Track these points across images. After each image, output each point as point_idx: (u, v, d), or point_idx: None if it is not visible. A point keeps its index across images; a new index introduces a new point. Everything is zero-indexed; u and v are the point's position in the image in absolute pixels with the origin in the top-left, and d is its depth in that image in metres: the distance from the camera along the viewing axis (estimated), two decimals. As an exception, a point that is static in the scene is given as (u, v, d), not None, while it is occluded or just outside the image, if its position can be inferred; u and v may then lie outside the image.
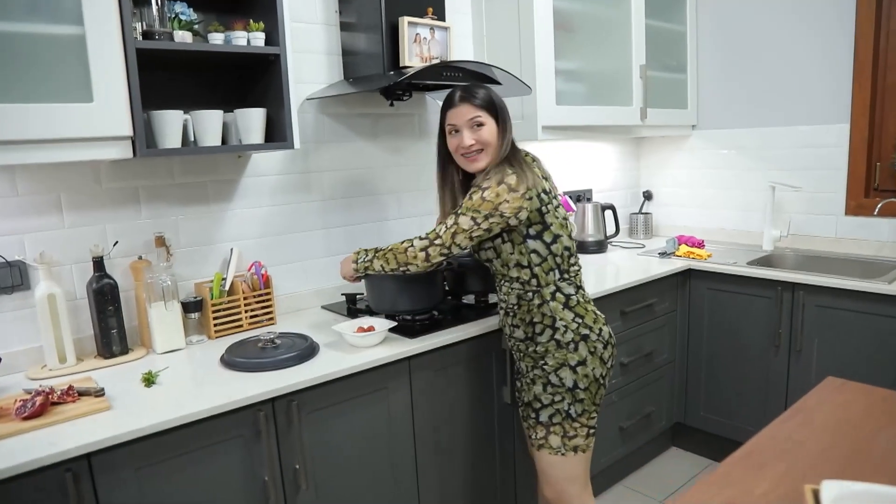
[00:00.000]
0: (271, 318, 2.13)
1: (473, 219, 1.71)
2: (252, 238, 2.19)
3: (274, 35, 1.81)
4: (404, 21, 2.08)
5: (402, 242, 1.81)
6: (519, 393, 1.97)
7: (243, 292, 2.06)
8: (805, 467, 1.13)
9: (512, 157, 1.80)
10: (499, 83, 2.24)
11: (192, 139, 1.82)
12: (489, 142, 1.78)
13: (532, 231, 1.77)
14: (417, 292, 1.99)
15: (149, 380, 1.62)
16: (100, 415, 1.44)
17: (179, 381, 1.65)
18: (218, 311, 2.01)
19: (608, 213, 3.31)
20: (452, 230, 1.73)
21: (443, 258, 1.77)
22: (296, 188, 2.28)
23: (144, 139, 1.60)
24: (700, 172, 3.51)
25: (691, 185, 3.55)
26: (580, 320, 1.80)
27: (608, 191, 3.56)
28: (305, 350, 1.77)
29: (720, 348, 2.90)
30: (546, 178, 1.84)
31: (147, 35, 1.65)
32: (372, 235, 2.49)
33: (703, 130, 3.45)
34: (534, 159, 1.87)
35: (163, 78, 1.84)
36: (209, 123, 1.78)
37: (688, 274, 2.93)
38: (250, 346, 1.81)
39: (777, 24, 3.11)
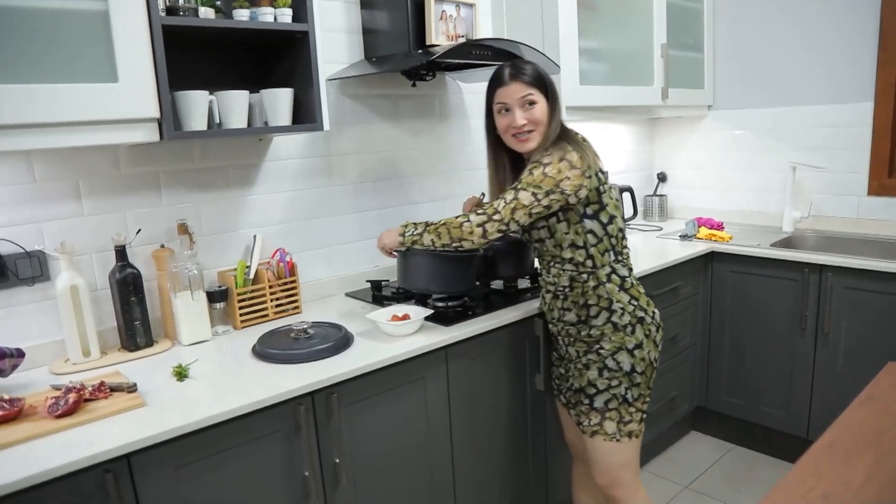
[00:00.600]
0: (297, 307, 2.06)
1: (534, 194, 1.64)
2: (274, 224, 2.11)
3: (301, 11, 1.72)
4: (431, -3, 1.99)
5: (457, 217, 1.71)
6: (560, 380, 1.92)
7: (268, 280, 1.99)
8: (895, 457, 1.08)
9: (564, 136, 1.73)
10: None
11: (217, 121, 1.73)
12: (541, 120, 1.71)
13: (589, 210, 1.71)
14: (453, 274, 1.91)
15: (181, 373, 1.55)
16: (135, 411, 1.37)
17: (212, 375, 1.58)
18: (243, 300, 1.94)
19: (626, 195, 3.24)
20: (512, 205, 1.65)
21: (500, 234, 1.69)
22: (318, 172, 2.20)
23: (172, 121, 1.52)
24: (716, 154, 3.45)
25: (707, 166, 3.50)
26: (636, 302, 1.76)
27: (622, 173, 3.50)
28: (340, 340, 1.71)
29: (744, 331, 2.86)
30: (597, 157, 1.78)
31: (171, 11, 1.56)
32: (395, 220, 2.42)
33: (719, 111, 3.39)
34: (583, 139, 1.80)
35: (183, 57, 1.75)
36: (235, 104, 1.69)
37: (710, 256, 2.89)
38: (283, 337, 1.74)
39: (796, 4, 3.04)
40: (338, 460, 1.58)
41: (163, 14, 1.52)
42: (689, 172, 3.59)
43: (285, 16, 1.72)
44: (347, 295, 2.26)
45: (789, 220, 3.07)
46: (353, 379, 1.59)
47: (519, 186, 1.66)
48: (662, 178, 3.67)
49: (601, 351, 1.75)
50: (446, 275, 1.90)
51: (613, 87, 2.69)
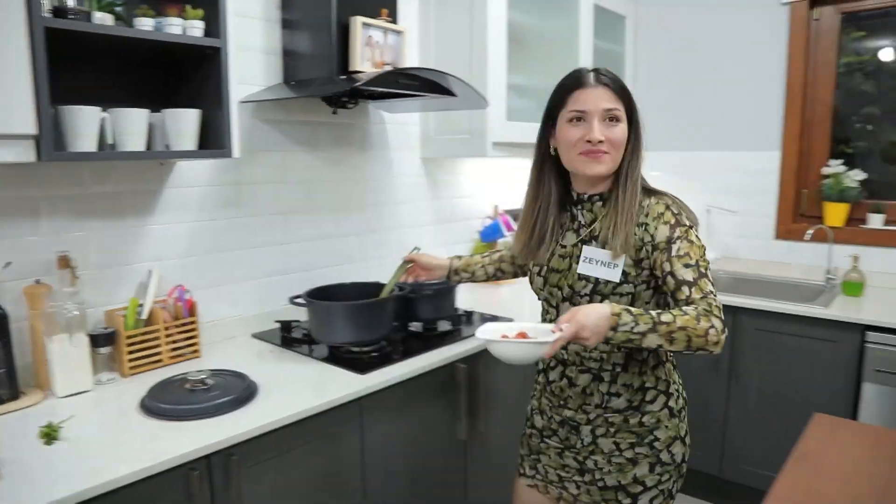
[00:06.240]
0: (196, 351, 1.85)
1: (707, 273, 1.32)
2: (174, 258, 1.90)
3: (214, 25, 1.56)
4: (357, 21, 1.88)
5: (699, 322, 1.22)
6: (559, 470, 1.52)
7: (164, 321, 1.77)
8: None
9: (642, 180, 1.42)
10: (454, 95, 2.08)
11: (111, 142, 1.53)
12: (619, 145, 1.37)
13: None
14: (371, 322, 1.78)
15: (49, 435, 1.32)
16: (-13, 485, 1.14)
17: (89, 436, 1.35)
18: (134, 343, 1.71)
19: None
20: (712, 288, 1.30)
21: None
22: (226, 202, 2.01)
23: (52, 139, 1.31)
24: (634, 194, 3.49)
25: (625, 206, 3.53)
26: (681, 381, 1.51)
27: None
28: (243, 392, 1.52)
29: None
30: None
31: (58, 13, 1.36)
32: (308, 255, 2.25)
33: (638, 152, 3.45)
34: None
35: (75, 68, 1.55)
36: (132, 124, 1.50)
37: (629, 297, 2.88)
38: (176, 388, 1.54)
39: (713, 54, 3.16)
40: (237, 531, 1.39)
41: (47, 15, 1.33)
42: (607, 212, 3.61)
43: (195, 29, 1.56)
44: (254, 336, 2.06)
45: (703, 262, 3.13)
46: (256, 438, 1.41)
47: (701, 268, 1.30)
48: (582, 216, 3.68)
49: (656, 444, 1.41)
50: (364, 323, 1.76)
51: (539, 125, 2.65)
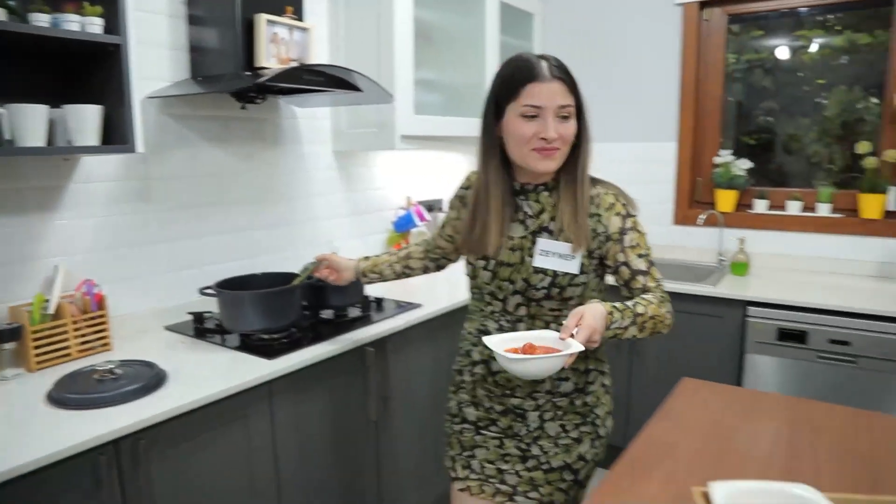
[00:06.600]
0: (106, 344, 1.87)
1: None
2: (81, 253, 1.91)
3: (114, 22, 1.59)
4: (262, 19, 1.93)
5: (659, 307, 1.32)
6: (498, 462, 1.52)
7: (72, 315, 1.79)
8: (685, 469, 1.18)
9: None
10: (360, 90, 2.16)
11: (9, 137, 1.54)
12: (570, 141, 1.38)
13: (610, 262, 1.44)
14: (280, 308, 1.86)
15: (-48, 428, 1.34)
16: None
17: (-6, 427, 1.38)
18: (40, 338, 1.72)
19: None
20: (660, 275, 1.40)
21: None
22: (134, 196, 2.03)
23: (-56, 136, 1.32)
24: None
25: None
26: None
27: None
28: (151, 380, 1.57)
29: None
30: None
31: (-53, 10, 1.37)
32: (221, 248, 2.29)
33: (548, 144, 3.62)
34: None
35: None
36: (31, 120, 1.51)
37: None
38: (85, 379, 1.57)
39: (616, 51, 3.36)
40: (147, 514, 1.44)
41: (-64, 13, 1.34)
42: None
43: (94, 25, 1.58)
44: (167, 329, 2.09)
45: (609, 248, 3.33)
46: (164, 422, 1.46)
47: (648, 256, 1.39)
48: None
49: (597, 420, 1.49)
50: (272, 311, 1.84)
51: (447, 118, 2.77)
